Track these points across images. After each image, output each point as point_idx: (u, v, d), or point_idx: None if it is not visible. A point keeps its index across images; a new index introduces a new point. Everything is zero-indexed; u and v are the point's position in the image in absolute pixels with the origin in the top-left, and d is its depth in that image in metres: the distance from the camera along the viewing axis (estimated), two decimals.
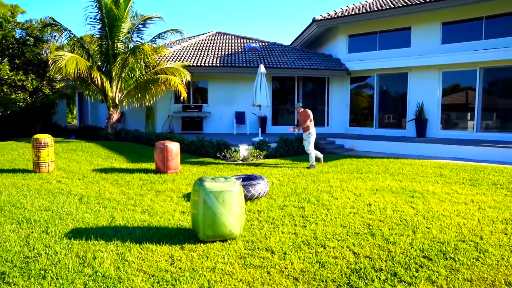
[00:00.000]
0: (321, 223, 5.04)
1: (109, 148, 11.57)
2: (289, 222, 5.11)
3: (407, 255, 3.95)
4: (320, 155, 10.12)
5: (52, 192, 6.75)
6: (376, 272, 3.59)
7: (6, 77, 13.31)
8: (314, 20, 15.71)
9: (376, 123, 15.53)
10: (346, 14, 14.97)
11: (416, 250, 4.09)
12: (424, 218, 5.24)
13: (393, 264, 3.75)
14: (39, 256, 3.91)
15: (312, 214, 5.45)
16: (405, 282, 3.40)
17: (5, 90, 13.40)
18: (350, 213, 5.51)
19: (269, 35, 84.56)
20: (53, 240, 4.38)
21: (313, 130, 9.92)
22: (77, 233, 4.59)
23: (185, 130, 15.19)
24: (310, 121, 9.87)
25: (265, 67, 13.49)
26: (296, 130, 10.19)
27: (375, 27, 15.11)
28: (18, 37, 14.94)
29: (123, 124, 17.30)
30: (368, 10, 14.37)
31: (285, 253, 4.04)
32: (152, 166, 9.10)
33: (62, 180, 7.72)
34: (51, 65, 11.78)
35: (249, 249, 4.15)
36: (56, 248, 4.12)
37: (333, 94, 16.47)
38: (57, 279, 3.43)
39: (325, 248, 4.18)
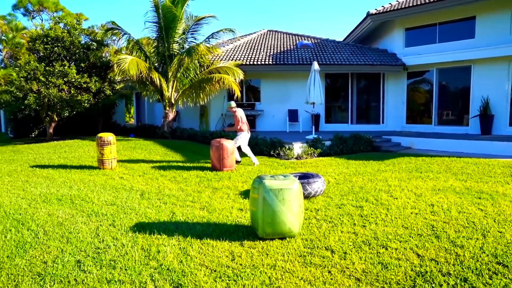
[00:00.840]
0: (381, 223, 4.90)
1: (166, 146, 12.01)
2: (348, 221, 5.02)
3: (477, 260, 3.74)
4: (254, 161, 9.38)
5: (116, 187, 7.13)
6: (444, 276, 3.43)
7: (73, 80, 14.22)
8: (368, 14, 15.27)
9: (435, 120, 14.81)
10: (403, 6, 14.39)
11: (488, 256, 3.85)
12: (495, 221, 4.92)
13: (462, 269, 3.56)
14: (108, 248, 4.15)
15: (371, 214, 5.32)
16: None
17: (72, 92, 14.33)
18: (411, 213, 5.30)
19: (322, 32, 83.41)
20: (119, 233, 4.62)
21: (243, 133, 9.33)
22: (141, 227, 4.81)
23: None
24: (242, 123, 9.34)
25: (318, 64, 13.32)
26: (227, 130, 10.08)
27: (434, 18, 14.38)
28: (83, 42, 15.91)
29: (178, 122, 17.87)
30: (427, 1, 13.71)
31: (345, 253, 3.98)
32: (207, 163, 9.33)
33: (124, 176, 8.13)
34: (116, 68, 12.42)
35: (308, 248, 4.13)
36: (123, 241, 4.34)
37: (388, 90, 15.92)
38: (125, 269, 3.62)
39: (386, 249, 4.06)
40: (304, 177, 6.42)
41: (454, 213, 5.28)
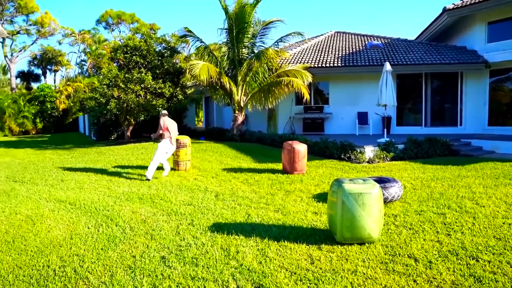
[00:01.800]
0: (468, 233, 4.58)
1: (236, 149, 12.27)
2: (430, 229, 4.76)
3: None
4: (167, 168, 8.87)
5: (191, 188, 7.41)
6: None
7: (149, 85, 15.09)
8: (444, 10, 14.40)
9: None
10: None
11: None
12: None
13: None
14: (189, 246, 4.32)
15: (456, 222, 4.99)
16: None
17: (148, 97, 15.20)
18: (503, 223, 4.89)
19: (392, 31, 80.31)
20: (198, 232, 4.80)
21: (165, 141, 8.69)
22: (219, 227, 4.95)
23: (306, 131, 15.29)
24: (164, 130, 8.76)
25: (390, 64, 12.82)
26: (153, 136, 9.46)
27: None
28: (157, 50, 16.83)
29: (246, 126, 18.18)
30: None
31: (430, 262, 3.77)
32: (278, 166, 9.37)
33: (198, 178, 8.43)
34: (187, 73, 12.96)
35: (389, 254, 3.98)
36: (202, 240, 4.50)
37: (467, 90, 14.86)
38: (207, 268, 3.75)
39: (477, 261, 3.78)
40: (380, 182, 6.19)
41: None
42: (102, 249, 4.25)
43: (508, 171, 8.46)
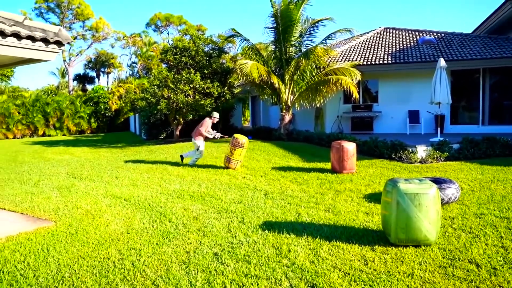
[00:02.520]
0: None
1: (283, 148, 12.25)
2: (492, 233, 4.49)
3: None
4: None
5: (240, 187, 7.48)
6: None
7: (197, 85, 15.43)
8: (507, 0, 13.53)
9: None
10: None
11: None
12: None
13: None
14: (241, 243, 4.36)
15: None
16: None
17: (196, 97, 15.55)
18: None
19: (446, 26, 76.75)
20: (249, 230, 4.83)
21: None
22: (269, 226, 4.96)
23: (355, 130, 14.98)
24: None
25: (444, 60, 12.23)
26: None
27: None
28: (206, 51, 17.17)
29: (293, 124, 18.09)
30: None
31: (495, 269, 3.56)
32: (326, 165, 9.25)
33: (247, 176, 8.49)
34: (238, 72, 13.12)
35: (448, 258, 3.80)
36: (254, 238, 4.53)
37: None
38: (260, 265, 3.76)
39: None
40: (435, 182, 5.92)
41: None
42: (157, 244, 4.40)
43: None
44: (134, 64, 44.91)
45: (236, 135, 9.45)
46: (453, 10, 75.66)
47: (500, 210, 5.42)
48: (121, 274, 3.64)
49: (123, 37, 44.20)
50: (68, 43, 4.59)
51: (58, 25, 37.19)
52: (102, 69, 45.88)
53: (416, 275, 3.47)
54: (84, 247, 4.34)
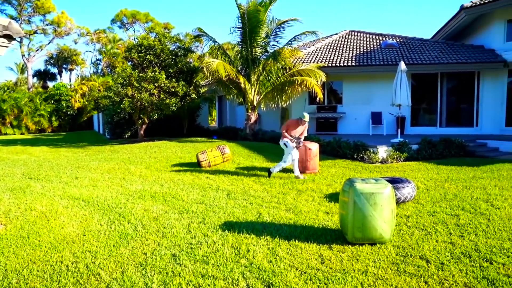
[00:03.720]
0: (483, 235, 4.50)
1: (249, 148, 12.27)
2: (443, 230, 4.69)
3: None
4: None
5: (203, 187, 7.44)
6: None
7: (162, 84, 15.21)
8: (462, 8, 14.15)
9: None
10: None
11: None
12: None
13: None
14: (200, 244, 4.34)
15: (470, 224, 4.91)
16: None
17: (161, 96, 15.32)
18: None
19: (407, 30, 79.39)
20: (209, 230, 4.82)
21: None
22: (230, 226, 4.96)
23: (320, 131, 15.22)
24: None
25: (405, 63, 12.66)
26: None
27: None
28: (171, 49, 16.93)
29: (259, 125, 18.17)
30: None
31: (442, 264, 3.72)
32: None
33: (210, 176, 8.46)
34: (205, 70, 13.05)
35: (401, 255, 3.94)
36: (213, 238, 4.52)
37: (484, 90, 14.59)
38: (218, 266, 3.76)
39: (491, 263, 3.71)
40: (393, 182, 6.13)
41: None
42: (114, 246, 4.30)
43: None
44: (98, 62, 43.67)
45: (223, 144, 10.27)
46: (414, 15, 78.43)
47: (451, 208, 5.67)
48: (74, 278, 3.53)
49: (87, 33, 42.83)
50: (20, 37, 4.40)
51: (15, 18, 35.64)
52: (65, 66, 44.28)
53: (370, 272, 3.57)
54: (36, 251, 4.18)
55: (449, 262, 3.75)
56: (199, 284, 3.38)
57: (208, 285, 3.37)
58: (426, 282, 3.37)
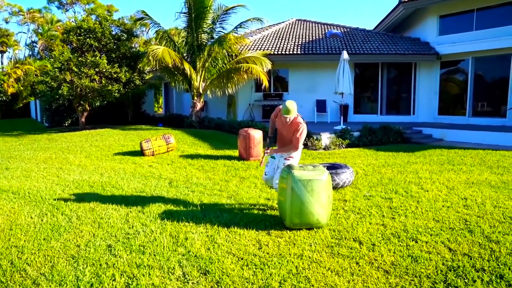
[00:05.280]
0: (411, 216, 4.79)
1: (194, 136, 12.12)
2: (376, 213, 4.94)
3: None
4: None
5: (145, 175, 7.27)
6: (478, 272, 3.31)
7: (104, 70, 14.53)
8: (400, 2, 14.80)
9: (469, 111, 14.29)
10: None
11: None
12: None
13: (498, 265, 3.43)
14: (137, 234, 4.24)
15: (401, 206, 5.21)
16: None
17: (103, 82, 14.65)
18: (443, 206, 5.15)
19: (351, 21, 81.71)
20: (148, 219, 4.72)
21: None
22: (169, 215, 4.89)
23: (266, 118, 15.33)
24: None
25: (348, 53, 13.05)
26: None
27: (471, 4, 13.76)
28: (114, 33, 16.16)
29: (206, 112, 17.98)
30: None
31: (373, 245, 3.91)
32: (235, 153, 9.36)
33: (153, 165, 8.27)
34: (150, 57, 12.62)
35: (336, 238, 4.09)
36: (151, 227, 4.43)
37: (420, 81, 15.45)
38: (154, 255, 3.69)
39: (417, 242, 3.97)
40: (332, 168, 6.34)
41: (489, 207, 5.09)
42: (44, 239, 4.08)
43: (452, 157, 8.91)
44: (34, 44, 40.80)
45: (169, 133, 10.05)
46: (358, 6, 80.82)
47: (386, 191, 5.97)
48: None
49: (19, 12, 39.82)
50: None
51: None
52: None
53: (305, 255, 3.68)
54: None
55: (380, 243, 3.95)
56: (134, 275, 3.30)
57: (143, 275, 3.30)
58: (357, 263, 3.53)
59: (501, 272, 3.29)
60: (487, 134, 11.65)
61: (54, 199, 5.62)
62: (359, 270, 3.38)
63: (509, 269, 3.34)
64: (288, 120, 4.80)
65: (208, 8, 13.97)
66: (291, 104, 4.80)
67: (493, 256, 3.61)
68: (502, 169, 7.59)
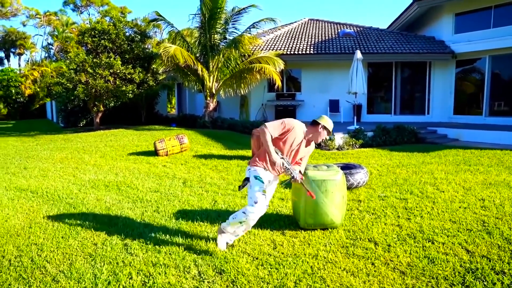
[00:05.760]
0: (427, 217, 4.73)
1: (207, 136, 12.18)
2: (392, 213, 4.89)
3: None
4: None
5: (159, 175, 7.33)
6: (497, 274, 3.26)
7: (118, 71, 14.69)
8: (414, 0, 14.64)
9: (485, 110, 14.05)
10: None
11: None
12: None
13: None
14: (153, 233, 4.28)
15: (416, 207, 5.15)
16: None
17: (117, 82, 14.82)
18: (459, 207, 5.08)
19: (364, 20, 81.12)
20: (163, 219, 4.76)
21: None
22: (184, 214, 4.92)
23: (279, 118, 15.33)
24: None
25: (361, 52, 12.96)
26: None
27: (489, 1, 13.50)
28: (127, 35, 16.34)
29: (219, 112, 18.05)
30: None
31: (389, 245, 3.88)
32: (248, 153, 9.37)
33: (167, 165, 8.33)
34: (163, 56, 12.74)
35: (351, 239, 4.07)
36: (167, 227, 4.47)
37: (435, 80, 15.25)
38: (170, 254, 3.73)
39: (433, 243, 3.92)
40: (346, 168, 6.30)
41: (508, 208, 5.00)
42: (62, 237, 4.15)
43: (468, 158, 8.77)
44: (50, 46, 41.47)
45: (182, 134, 10.19)
46: (372, 5, 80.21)
47: (401, 192, 5.91)
48: (16, 272, 3.38)
49: (36, 15, 40.54)
50: None
51: None
52: (13, 50, 41.81)
53: (320, 256, 3.67)
54: None
55: (395, 244, 3.92)
56: (150, 273, 3.34)
57: (159, 273, 3.33)
58: (373, 264, 3.50)
59: None
60: (504, 134, 11.42)
61: (71, 198, 5.71)
62: (375, 271, 3.36)
63: None
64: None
65: (222, 9, 14.03)
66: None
67: None
68: None
